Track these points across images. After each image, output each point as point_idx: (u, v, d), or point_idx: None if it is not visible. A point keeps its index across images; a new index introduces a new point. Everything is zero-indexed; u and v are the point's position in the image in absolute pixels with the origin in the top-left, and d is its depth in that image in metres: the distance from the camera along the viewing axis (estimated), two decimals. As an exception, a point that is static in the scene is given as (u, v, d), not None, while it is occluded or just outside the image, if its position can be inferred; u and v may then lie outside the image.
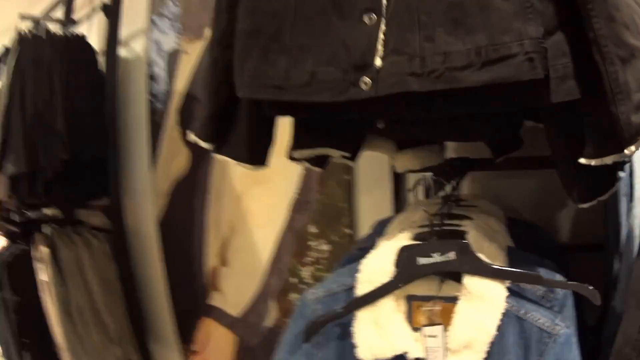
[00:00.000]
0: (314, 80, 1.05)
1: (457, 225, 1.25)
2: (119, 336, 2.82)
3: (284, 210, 2.39)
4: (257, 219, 2.52)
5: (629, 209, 1.28)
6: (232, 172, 2.57)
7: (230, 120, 1.28)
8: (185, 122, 2.76)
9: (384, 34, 0.99)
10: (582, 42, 0.91)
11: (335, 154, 1.40)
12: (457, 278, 1.13)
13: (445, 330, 1.10)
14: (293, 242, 2.39)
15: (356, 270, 1.19)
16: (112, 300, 2.85)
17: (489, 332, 1.07)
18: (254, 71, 1.13)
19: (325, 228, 2.29)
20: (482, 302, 1.08)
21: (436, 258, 1.10)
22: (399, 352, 1.11)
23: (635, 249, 1.23)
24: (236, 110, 1.27)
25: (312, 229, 2.32)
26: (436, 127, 1.22)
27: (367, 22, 1.01)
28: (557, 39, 0.92)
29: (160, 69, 2.93)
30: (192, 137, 1.29)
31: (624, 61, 0.87)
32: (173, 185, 2.84)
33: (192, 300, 2.81)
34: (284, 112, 1.23)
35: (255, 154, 1.31)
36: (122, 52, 3.09)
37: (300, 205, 2.36)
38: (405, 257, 1.13)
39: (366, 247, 1.32)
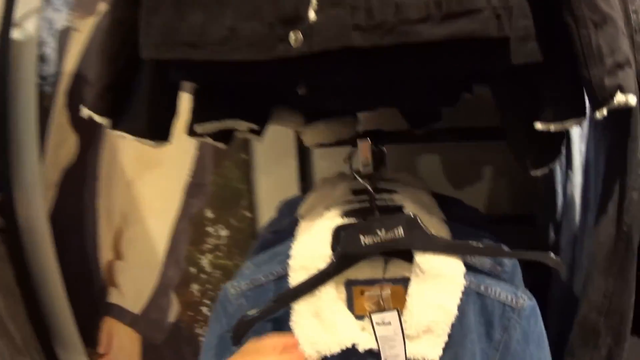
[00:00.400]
0: (233, 36, 0.91)
1: (389, 200, 1.12)
2: (26, 345, 2.55)
3: (178, 196, 2.24)
4: (150, 206, 2.35)
5: (567, 178, 1.32)
6: (122, 156, 2.39)
7: (129, 91, 1.13)
8: (74, 104, 2.54)
9: None
10: (543, 4, 0.88)
11: (242, 127, 1.25)
12: (404, 256, 1.03)
13: (400, 315, 0.98)
14: (189, 229, 2.25)
15: (286, 257, 1.05)
16: (13, 306, 2.57)
17: (450, 312, 0.98)
18: (164, 27, 0.96)
19: (223, 212, 2.16)
20: (439, 281, 0.99)
21: (382, 235, 0.99)
22: (346, 345, 0.99)
23: (577, 217, 1.27)
24: (136, 79, 1.11)
25: (209, 214, 2.18)
26: (366, 93, 1.13)
27: None
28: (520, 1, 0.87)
29: (51, 49, 2.67)
30: (86, 111, 1.12)
31: (596, 26, 0.84)
32: (62, 174, 2.61)
33: (92, 299, 2.62)
34: (193, 77, 1.11)
35: (157, 128, 1.17)
36: (15, 33, 2.80)
37: (194, 189, 2.21)
38: (345, 237, 1.01)
39: (280, 230, 1.24)
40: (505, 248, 1.06)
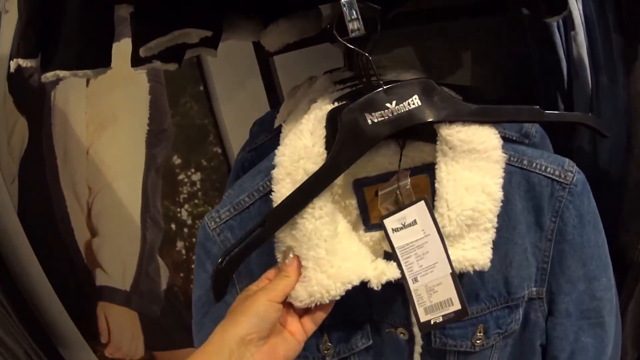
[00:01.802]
0: None
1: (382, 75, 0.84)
2: (31, 357, 2.44)
3: (141, 149, 2.08)
4: (114, 169, 2.19)
5: (570, 38, 1.16)
6: (73, 125, 2.21)
7: (57, 23, 0.93)
8: (17, 87, 2.34)
9: None
10: None
11: (193, 37, 1.04)
12: (424, 137, 0.78)
13: (429, 206, 0.74)
14: (160, 181, 2.10)
15: (269, 167, 0.78)
16: (7, 320, 2.38)
17: (495, 196, 0.74)
18: None
19: (190, 155, 2.04)
20: (477, 157, 0.75)
21: (393, 108, 0.73)
22: (349, 284, 0.74)
23: (589, 79, 1.10)
24: (62, 7, 0.93)
25: (177, 160, 2.05)
26: None
27: None
28: None
29: None
30: (13, 63, 0.95)
31: None
32: (20, 164, 2.41)
33: (80, 288, 2.47)
34: None
35: (94, 54, 0.97)
36: None
37: (156, 137, 2.06)
38: (347, 120, 0.73)
39: (259, 144, 1.07)
40: (540, 110, 0.78)
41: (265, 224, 0.74)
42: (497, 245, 0.75)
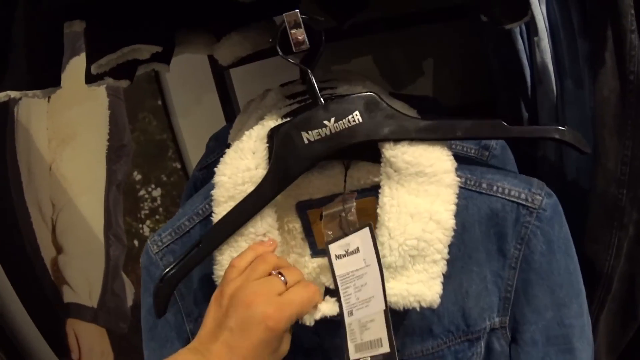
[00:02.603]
0: None
1: (334, 89, 0.83)
2: None
3: (101, 164, 2.09)
4: (77, 186, 2.18)
5: (533, 44, 1.16)
6: (36, 140, 2.19)
7: (4, 44, 0.90)
8: None
9: None
10: None
11: (144, 53, 1.01)
12: (370, 156, 0.72)
13: (372, 233, 0.69)
14: (121, 197, 2.11)
15: (211, 188, 0.75)
16: None
17: (445, 224, 0.68)
18: None
19: (150, 170, 2.03)
20: (423, 181, 0.69)
21: (331, 126, 0.68)
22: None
23: (554, 85, 1.09)
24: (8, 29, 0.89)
25: (137, 176, 2.06)
26: None
27: None
28: None
29: None
30: None
31: None
32: None
33: (49, 305, 2.44)
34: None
35: (42, 74, 0.93)
36: None
37: (115, 153, 2.06)
38: (282, 138, 0.70)
39: (210, 163, 1.08)
40: (503, 124, 0.71)
41: (201, 245, 0.72)
42: (451, 275, 0.69)
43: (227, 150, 0.77)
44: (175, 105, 1.91)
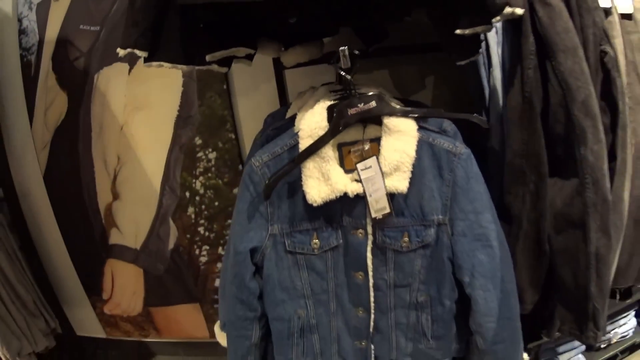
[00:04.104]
0: None
1: (360, 88, 1.47)
2: (38, 307, 2.81)
3: (169, 129, 2.53)
4: (143, 144, 2.64)
5: (489, 74, 1.79)
6: (112, 104, 2.66)
7: (162, 30, 1.46)
8: (60, 67, 2.79)
9: None
10: None
11: (242, 52, 1.64)
12: (377, 122, 1.39)
13: (377, 160, 1.36)
14: (181, 157, 2.55)
15: (294, 133, 1.41)
16: (20, 272, 2.81)
17: (410, 155, 1.35)
18: None
19: (210, 137, 2.49)
20: (401, 135, 1.36)
21: (361, 107, 1.37)
22: (339, 192, 1.36)
23: (500, 100, 1.72)
24: (165, 21, 1.46)
25: (198, 141, 2.50)
26: (336, 17, 1.60)
27: None
28: None
29: (29, 21, 2.88)
30: (124, 51, 1.44)
31: None
32: (54, 133, 2.86)
33: (93, 246, 2.89)
34: (215, 15, 1.47)
35: (189, 56, 1.52)
36: None
37: (183, 121, 2.51)
38: (338, 110, 1.37)
39: (279, 126, 1.57)
40: (441, 111, 1.44)
41: (295, 160, 1.37)
42: (413, 184, 1.36)
43: (301, 115, 1.42)
44: (237, 90, 2.44)
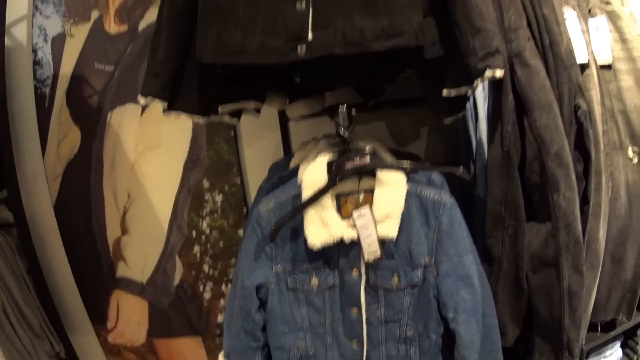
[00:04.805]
0: (263, 47, 1.48)
1: (356, 146, 1.66)
2: (43, 330, 2.92)
3: (178, 171, 2.69)
4: (153, 183, 2.80)
5: (476, 126, 1.97)
6: (124, 143, 2.83)
7: (182, 81, 1.65)
8: (74, 102, 2.97)
9: (313, 16, 1.46)
10: (442, 23, 1.48)
11: (251, 106, 1.81)
12: (371, 175, 1.59)
13: (370, 209, 1.55)
14: (189, 198, 2.70)
15: (297, 184, 1.61)
16: (27, 295, 2.93)
17: (400, 205, 1.55)
18: (216, 41, 1.52)
19: (217, 181, 2.66)
20: (392, 187, 1.56)
21: (357, 162, 1.56)
22: (336, 237, 1.55)
23: (485, 152, 1.82)
24: (185, 73, 1.65)
25: (206, 184, 2.66)
26: (339, 78, 1.74)
27: (298, 6, 1.47)
28: (429, 20, 1.47)
29: (44, 54, 3.05)
30: (145, 100, 1.62)
31: (473, 35, 1.43)
32: (66, 166, 3.00)
33: (100, 277, 3.01)
34: (234, 72, 1.63)
35: (206, 107, 1.71)
36: (6, 40, 3.11)
37: (192, 164, 2.68)
38: (336, 164, 1.57)
39: (283, 176, 1.76)
40: (429, 165, 1.64)
41: (298, 208, 1.56)
42: (402, 230, 1.54)
43: (303, 168, 1.62)
44: (243, 137, 2.61)
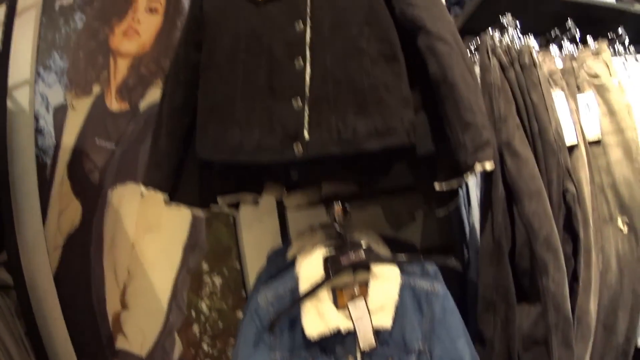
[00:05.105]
0: (260, 146, 1.56)
1: (352, 239, 1.74)
2: None
3: (178, 253, 2.75)
4: (153, 263, 2.85)
5: (469, 212, 2.08)
6: (124, 221, 2.90)
7: (183, 173, 1.74)
8: (75, 175, 3.04)
9: (308, 116, 1.56)
10: (432, 120, 1.56)
11: (248, 199, 1.86)
12: (366, 268, 1.66)
13: (365, 301, 1.62)
14: (189, 278, 2.75)
15: (295, 277, 1.68)
16: (26, 357, 2.96)
17: (394, 297, 1.61)
18: (215, 139, 1.61)
19: (216, 263, 2.74)
20: (386, 280, 1.63)
21: (352, 258, 1.64)
22: (333, 328, 1.61)
23: (477, 238, 1.88)
24: (186, 165, 1.74)
25: (205, 266, 2.72)
26: (334, 173, 1.79)
27: (294, 105, 1.56)
28: (421, 117, 1.57)
29: (46, 123, 3.18)
30: (146, 190, 1.71)
31: (463, 130, 1.49)
32: (66, 238, 3.07)
33: (99, 347, 3.01)
34: (232, 167, 1.70)
35: (205, 200, 1.80)
36: (7, 102, 3.24)
37: (192, 247, 2.73)
38: (332, 259, 1.66)
39: (282, 267, 1.82)
40: (422, 258, 1.70)
41: (296, 301, 1.62)
42: (396, 320, 1.59)
43: (301, 261, 1.69)
44: (242, 223, 2.69)
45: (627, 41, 2.23)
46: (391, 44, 1.56)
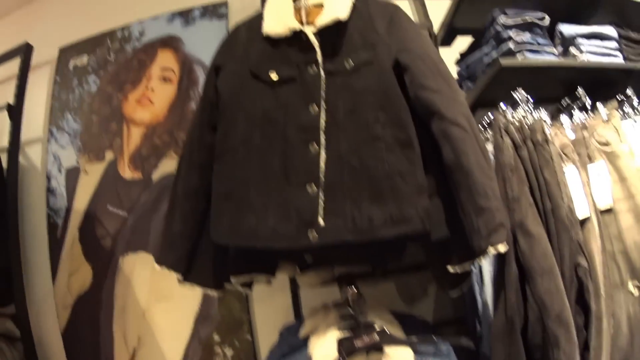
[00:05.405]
0: (275, 232, 1.57)
1: (365, 320, 1.76)
2: None
3: (189, 323, 2.76)
4: (164, 332, 2.85)
5: (481, 289, 2.05)
6: (135, 290, 2.91)
7: (196, 254, 1.75)
8: (87, 239, 3.05)
9: (323, 202, 1.59)
10: (447, 207, 1.57)
11: (262, 279, 1.86)
12: (379, 350, 1.65)
13: None
14: (200, 349, 2.76)
15: (308, 357, 1.67)
16: None
17: None
18: (230, 224, 1.63)
19: (228, 335, 2.74)
20: None
21: (366, 340, 1.63)
22: None
23: (491, 314, 1.92)
24: (200, 246, 1.75)
25: (216, 337, 2.72)
26: (349, 259, 1.84)
27: (309, 191, 1.59)
28: (435, 201, 1.58)
29: (58, 184, 3.19)
30: (160, 268, 1.73)
31: (477, 215, 1.50)
32: (76, 299, 3.04)
33: None
34: (246, 250, 1.71)
35: (219, 279, 1.80)
36: (20, 158, 3.20)
37: (203, 318, 2.74)
38: (346, 342, 1.65)
39: (294, 345, 1.83)
40: (435, 338, 1.69)
41: None
42: None
43: (314, 341, 1.70)
44: (255, 297, 2.74)
45: (635, 102, 2.26)
46: (406, 129, 1.59)
